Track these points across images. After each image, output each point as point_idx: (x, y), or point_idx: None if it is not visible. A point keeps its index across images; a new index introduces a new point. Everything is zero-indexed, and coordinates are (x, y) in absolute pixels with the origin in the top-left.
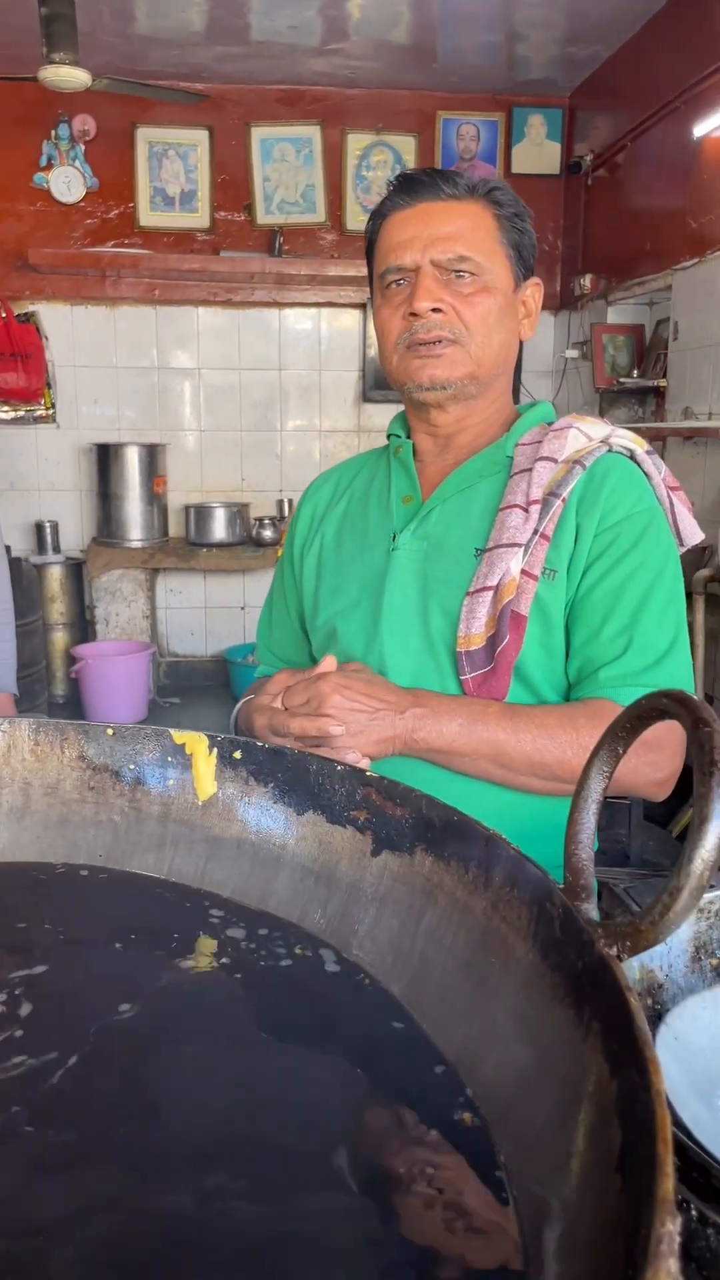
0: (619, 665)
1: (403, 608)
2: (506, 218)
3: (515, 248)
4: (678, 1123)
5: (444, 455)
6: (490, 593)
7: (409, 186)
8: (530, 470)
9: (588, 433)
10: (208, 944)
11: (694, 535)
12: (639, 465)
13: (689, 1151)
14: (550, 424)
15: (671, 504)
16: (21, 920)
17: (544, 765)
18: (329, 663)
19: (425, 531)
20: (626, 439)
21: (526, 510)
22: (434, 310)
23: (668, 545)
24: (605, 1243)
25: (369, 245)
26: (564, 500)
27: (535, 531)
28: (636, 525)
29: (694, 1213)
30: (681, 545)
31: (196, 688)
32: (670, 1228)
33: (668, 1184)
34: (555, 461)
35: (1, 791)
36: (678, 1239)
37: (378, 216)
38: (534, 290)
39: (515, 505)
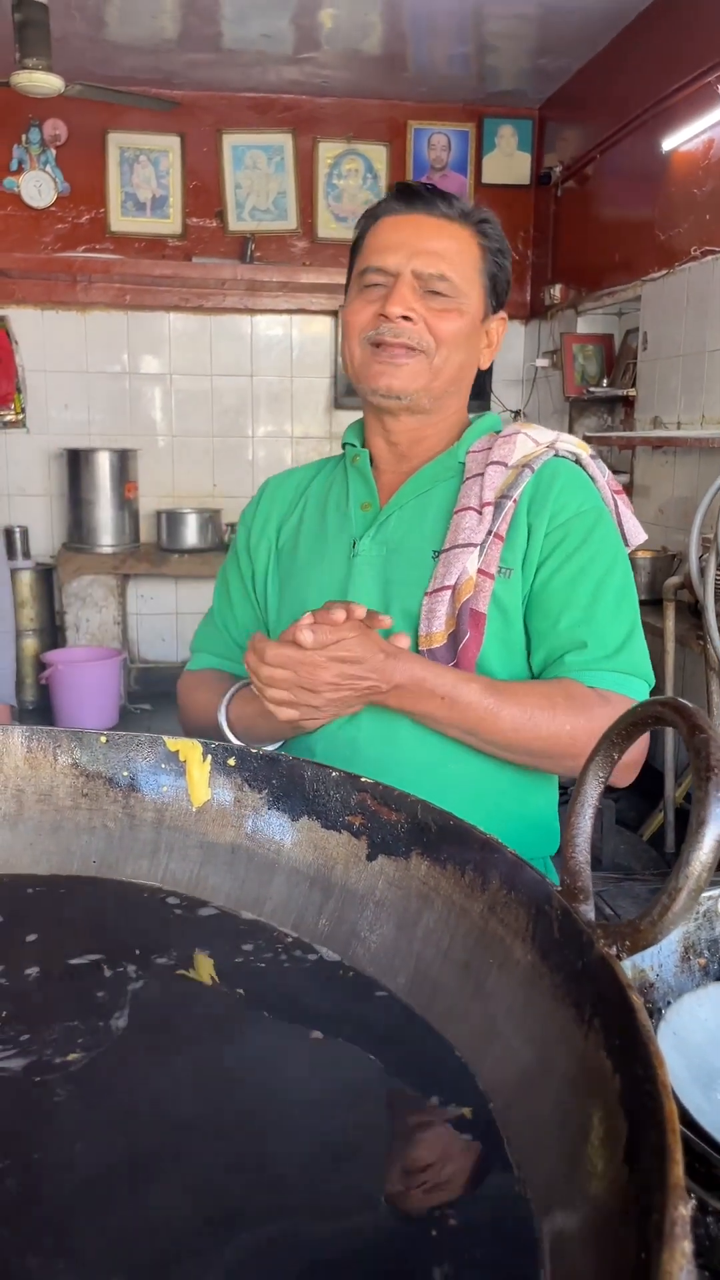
0: (581, 655)
1: None
2: (490, 250)
3: (492, 280)
4: (681, 1114)
5: (400, 464)
6: (448, 592)
7: (408, 194)
8: (482, 475)
9: (535, 438)
10: (202, 949)
11: (637, 535)
12: (584, 469)
13: (690, 1143)
14: (498, 432)
15: (616, 506)
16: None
17: (522, 744)
18: (351, 611)
19: (384, 537)
20: (571, 444)
21: (480, 512)
22: (405, 318)
23: (616, 541)
24: (613, 1230)
25: (356, 240)
26: (515, 501)
27: (489, 532)
28: (584, 523)
29: (693, 1200)
30: (627, 544)
31: (168, 694)
32: (683, 1211)
33: (678, 1171)
34: (505, 466)
35: None
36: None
37: (370, 216)
38: (498, 325)
39: (469, 508)
